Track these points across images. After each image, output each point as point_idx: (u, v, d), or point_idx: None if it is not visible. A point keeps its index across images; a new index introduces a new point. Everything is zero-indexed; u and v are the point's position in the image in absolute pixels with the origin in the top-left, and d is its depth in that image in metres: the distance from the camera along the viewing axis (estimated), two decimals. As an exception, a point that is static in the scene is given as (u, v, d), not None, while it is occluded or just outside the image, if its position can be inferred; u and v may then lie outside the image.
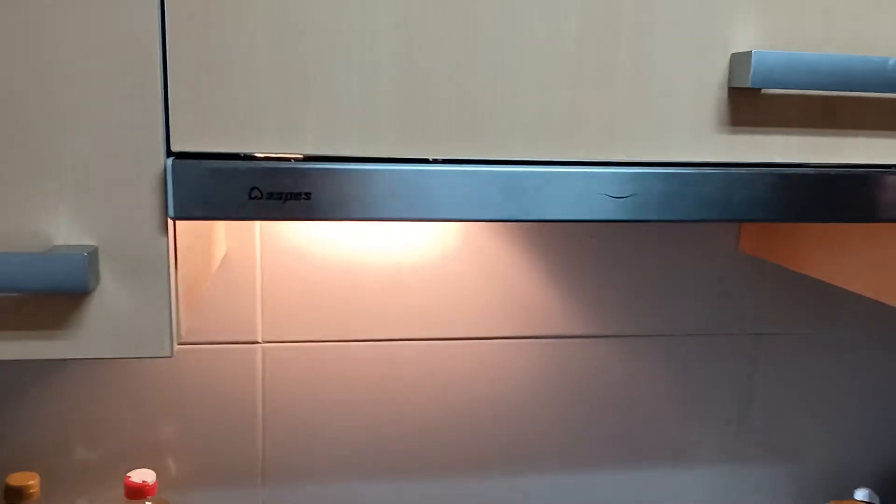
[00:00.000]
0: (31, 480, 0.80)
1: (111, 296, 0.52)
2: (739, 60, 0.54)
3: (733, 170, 0.55)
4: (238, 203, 0.51)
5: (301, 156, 0.53)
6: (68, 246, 0.51)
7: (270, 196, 0.51)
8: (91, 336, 0.52)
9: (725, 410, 1.02)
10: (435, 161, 0.53)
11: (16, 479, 0.80)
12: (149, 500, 0.85)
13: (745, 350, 1.01)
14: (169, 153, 0.51)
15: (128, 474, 0.84)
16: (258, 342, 0.90)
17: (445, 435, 0.96)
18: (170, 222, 0.52)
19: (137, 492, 0.83)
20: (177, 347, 0.54)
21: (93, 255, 0.50)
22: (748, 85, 0.53)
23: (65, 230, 0.51)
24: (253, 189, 0.51)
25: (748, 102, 0.56)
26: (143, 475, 0.84)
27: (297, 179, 0.51)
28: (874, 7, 0.56)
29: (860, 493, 0.99)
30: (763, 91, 0.56)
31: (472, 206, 0.53)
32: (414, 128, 0.52)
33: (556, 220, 0.54)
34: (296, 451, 0.93)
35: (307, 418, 0.93)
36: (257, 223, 0.88)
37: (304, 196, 0.51)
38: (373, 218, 0.52)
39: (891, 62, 0.54)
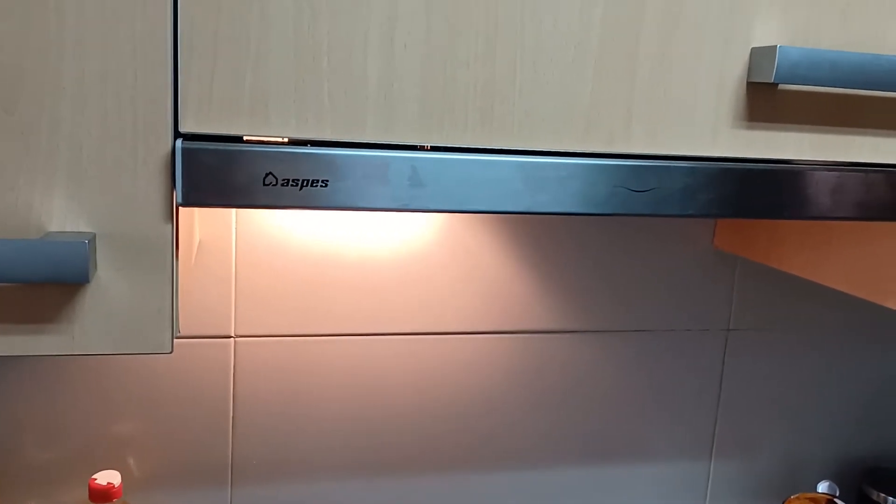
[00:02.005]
0: (-13, 484, 0.75)
1: (109, 287, 0.48)
2: (762, 55, 0.53)
3: (752, 166, 0.55)
4: (252, 190, 0.48)
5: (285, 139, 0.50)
6: (64, 233, 0.47)
7: (286, 183, 0.48)
8: (87, 331, 0.48)
9: (695, 406, 1.03)
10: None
11: (-29, 484, 0.74)
12: (115, 503, 0.80)
13: (715, 346, 1.02)
14: (177, 135, 0.48)
15: (93, 476, 0.79)
16: (231, 336, 0.86)
17: (420, 431, 0.94)
18: (175, 209, 0.49)
19: (103, 494, 0.79)
20: (172, 342, 0.50)
21: (92, 242, 0.46)
22: (771, 80, 0.52)
23: (60, 216, 0.47)
24: (268, 175, 0.48)
25: (766, 98, 0.55)
26: (108, 477, 0.79)
27: (315, 165, 0.48)
28: (889, 5, 0.56)
29: (822, 486, 1.02)
30: (780, 87, 0.55)
31: (495, 197, 0.51)
32: (434, 114, 0.50)
33: (576, 213, 0.53)
34: (267, 449, 0.90)
35: (280, 415, 0.89)
36: (234, 212, 0.84)
37: (321, 183, 0.49)
38: (391, 208, 0.50)
39: (904, 62, 0.54)
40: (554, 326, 0.96)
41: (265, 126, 0.48)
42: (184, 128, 0.47)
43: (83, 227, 0.47)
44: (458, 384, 0.94)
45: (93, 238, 0.47)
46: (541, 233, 0.93)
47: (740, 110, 0.55)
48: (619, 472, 1.03)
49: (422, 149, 0.51)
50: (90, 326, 0.48)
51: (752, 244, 0.92)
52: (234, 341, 0.87)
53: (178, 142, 0.47)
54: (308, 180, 0.49)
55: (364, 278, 0.89)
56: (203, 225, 0.84)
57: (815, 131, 0.57)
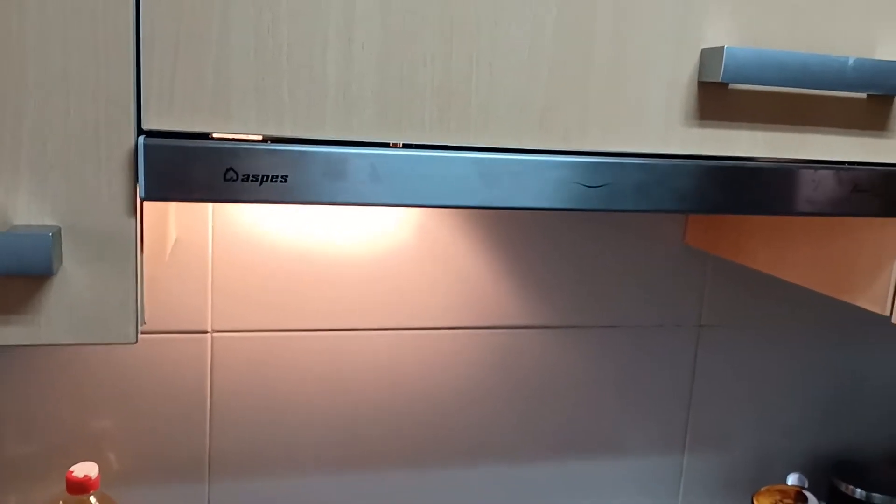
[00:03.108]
0: (-36, 476, 0.76)
1: (74, 279, 0.49)
2: (711, 56, 0.55)
3: (705, 162, 0.57)
4: (212, 185, 0.49)
5: (259, 136, 0.51)
6: (29, 227, 0.48)
7: (246, 178, 0.50)
8: (52, 321, 0.49)
9: (667, 401, 1.05)
10: (397, 146, 0.52)
11: (-52, 475, 0.76)
12: (91, 495, 0.81)
13: (687, 342, 1.04)
14: (140, 131, 0.49)
15: (70, 469, 0.80)
16: (207, 331, 0.88)
17: (395, 426, 0.96)
18: (138, 203, 0.50)
19: (80, 486, 0.80)
20: (138, 332, 0.52)
21: (56, 235, 0.47)
22: (719, 79, 0.54)
23: (24, 209, 0.48)
24: (228, 170, 0.49)
25: (717, 97, 0.57)
26: (85, 469, 0.81)
27: (274, 161, 0.50)
28: (837, 8, 0.58)
29: (792, 478, 1.03)
30: (731, 86, 0.57)
31: (451, 192, 0.53)
32: (392, 112, 0.52)
33: (532, 207, 0.54)
34: (244, 444, 0.91)
35: (256, 410, 0.91)
36: (210, 209, 0.85)
37: (280, 179, 0.50)
38: (350, 203, 0.52)
39: (850, 63, 0.56)
40: (527, 322, 0.98)
41: (226, 123, 0.50)
42: (146, 125, 0.49)
43: (48, 221, 0.49)
44: (432, 379, 0.96)
45: (57, 231, 0.48)
46: (514, 229, 0.95)
47: (692, 109, 0.57)
48: (593, 466, 1.04)
49: (394, 146, 0.52)
50: (56, 317, 0.49)
51: (721, 241, 0.94)
52: (211, 336, 0.88)
53: (141, 139, 0.48)
54: (268, 176, 0.50)
55: (340, 274, 0.90)
56: (179, 222, 0.85)
57: (768, 129, 0.58)
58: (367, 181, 0.51)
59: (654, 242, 1.00)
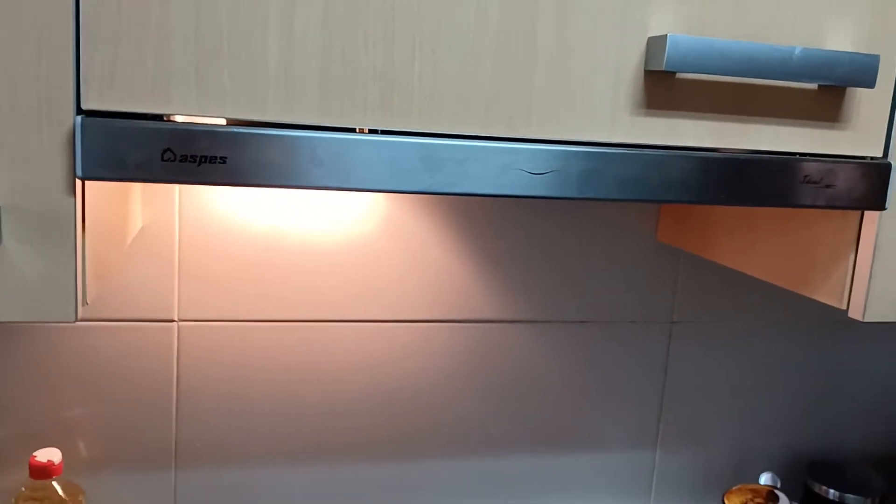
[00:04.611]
0: (-74, 459, 0.77)
1: (14, 257, 0.50)
2: (655, 44, 0.55)
3: (650, 151, 0.57)
4: (150, 165, 0.50)
5: (223, 120, 0.52)
6: (-32, 203, 0.48)
7: (184, 159, 0.50)
8: (-9, 299, 0.50)
9: (639, 397, 1.05)
10: (362, 131, 0.52)
11: None
12: (55, 481, 0.82)
13: (660, 338, 1.04)
14: (79, 111, 0.49)
15: (33, 454, 0.81)
16: (174, 320, 0.88)
17: (363, 418, 0.96)
18: (78, 183, 0.51)
19: (42, 471, 0.80)
20: (81, 314, 0.52)
21: (-6, 213, 0.48)
22: (663, 68, 0.54)
23: (-36, 187, 0.49)
24: (166, 151, 0.50)
25: (663, 86, 0.57)
26: (48, 454, 0.81)
27: (213, 142, 0.50)
28: (783, -1, 0.58)
29: (764, 477, 1.03)
30: (678, 75, 0.57)
31: (393, 176, 0.53)
32: (334, 96, 0.52)
33: (475, 193, 0.54)
34: (212, 433, 0.91)
35: (224, 400, 0.91)
36: (176, 195, 0.86)
37: (219, 160, 0.51)
38: (291, 185, 0.52)
39: (796, 52, 0.56)
40: (499, 316, 0.98)
41: (166, 105, 0.50)
42: (86, 105, 0.49)
43: (-12, 199, 0.49)
44: (402, 372, 0.96)
45: (-4, 209, 0.48)
46: (485, 221, 0.95)
47: (638, 98, 0.57)
48: (565, 461, 1.04)
49: (360, 131, 0.52)
50: (-6, 295, 0.50)
51: (690, 236, 0.94)
52: (178, 325, 0.88)
53: (79, 118, 0.48)
54: (206, 157, 0.50)
55: (310, 264, 0.90)
56: (146, 209, 0.86)
57: (714, 119, 0.58)
58: (308, 164, 0.52)
59: (627, 238, 1.00)
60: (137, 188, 0.82)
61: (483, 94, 0.54)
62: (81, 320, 0.85)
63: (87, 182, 0.53)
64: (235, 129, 0.50)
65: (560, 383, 1.02)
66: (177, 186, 0.86)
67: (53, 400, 0.87)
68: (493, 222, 0.95)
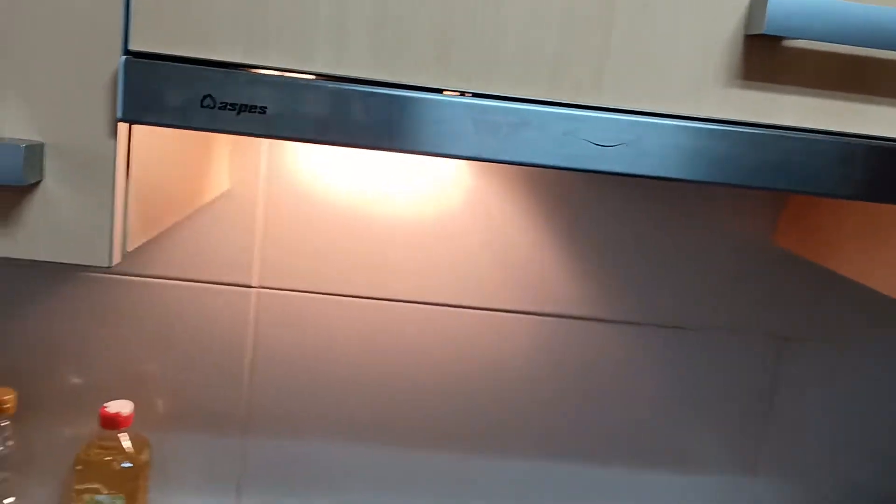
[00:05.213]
0: (6, 395, 0.80)
1: (54, 196, 0.50)
2: (756, 3, 0.48)
3: (742, 129, 0.50)
4: (189, 110, 0.48)
5: (267, 70, 0.49)
6: (12, 139, 0.48)
7: (224, 106, 0.48)
8: (32, 237, 0.50)
9: (738, 417, 0.95)
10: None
11: (-8, 393, 0.79)
12: (123, 432, 0.83)
13: (766, 352, 0.94)
14: (127, 52, 0.48)
15: (104, 404, 0.83)
16: (252, 286, 0.88)
17: (432, 406, 0.92)
18: (123, 126, 0.50)
19: (111, 422, 0.82)
20: (116, 256, 0.51)
21: (33, 148, 0.47)
22: (763, 31, 0.47)
23: (13, 124, 0.49)
24: (206, 97, 0.48)
25: (764, 54, 0.50)
26: (119, 406, 0.83)
27: (254, 91, 0.48)
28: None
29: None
30: (784, 42, 0.50)
31: (438, 138, 0.49)
32: (387, 51, 0.48)
33: (530, 163, 0.49)
34: (281, 404, 0.91)
35: (295, 372, 0.90)
36: (263, 160, 0.85)
37: (259, 109, 0.48)
38: (329, 142, 0.49)
39: (932, 21, 0.47)
40: (584, 312, 0.91)
41: (212, 50, 0.48)
42: (133, 45, 0.48)
43: (34, 136, 0.49)
44: (477, 363, 0.91)
45: (39, 146, 0.48)
46: (578, 208, 0.89)
47: (733, 67, 0.50)
48: (646, 477, 0.96)
49: (374, 84, 0.49)
50: (34, 232, 0.50)
51: (810, 241, 0.84)
52: (256, 291, 0.88)
53: (122, 58, 0.47)
54: (246, 105, 0.48)
55: (389, 237, 0.88)
56: (234, 171, 0.85)
57: (822, 97, 0.50)
58: (350, 120, 0.48)
59: (737, 238, 0.91)
60: (224, 149, 0.82)
61: (549, 54, 0.49)
62: (162, 277, 0.87)
63: (137, 128, 0.52)
64: (278, 79, 0.48)
65: (648, 392, 0.94)
66: (264, 151, 0.85)
67: (130, 353, 0.88)
68: (587, 210, 0.89)
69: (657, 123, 0.49)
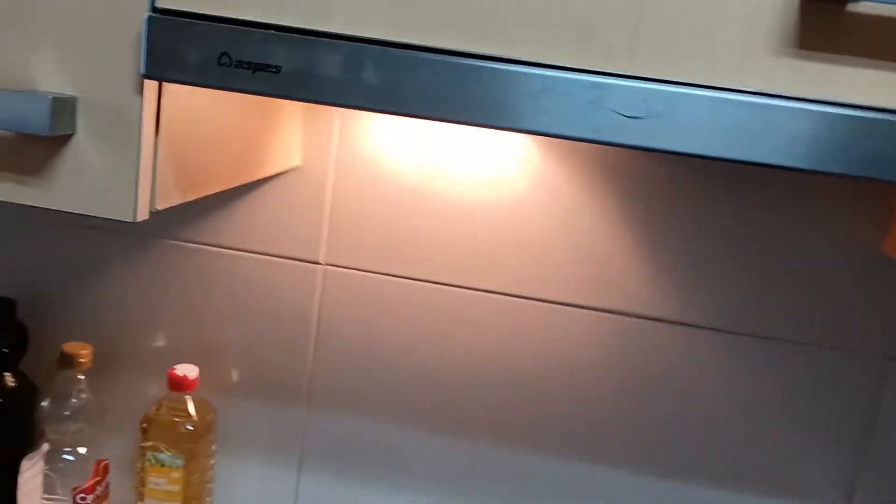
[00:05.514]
0: (83, 350, 0.84)
1: (85, 150, 0.51)
2: (811, -39, 0.42)
3: (796, 105, 0.44)
4: (207, 68, 0.48)
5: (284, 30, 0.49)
6: (48, 92, 0.50)
7: (240, 64, 0.48)
8: (62, 188, 0.52)
9: (832, 443, 0.86)
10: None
11: (70, 347, 0.84)
12: (189, 395, 0.86)
13: (870, 374, 0.84)
14: (154, 9, 0.49)
15: (173, 367, 0.86)
16: (320, 263, 0.88)
17: (491, 397, 0.89)
18: (152, 84, 0.51)
19: (178, 384, 0.85)
20: (142, 213, 0.52)
21: (63, 101, 0.49)
22: (816, -9, 0.41)
23: (49, 79, 0.51)
24: (223, 55, 0.48)
25: (826, 19, 0.44)
26: (186, 369, 0.85)
27: (268, 49, 0.47)
28: None
29: None
30: (850, 6, 0.44)
31: (449, 103, 0.46)
32: (406, 11, 0.47)
33: (547, 133, 0.46)
34: (344, 381, 0.91)
35: (359, 351, 0.90)
36: (335, 137, 0.86)
37: (273, 69, 0.48)
38: (342, 104, 0.47)
39: None
40: (664, 314, 0.85)
41: (233, 7, 0.48)
42: (159, 3, 0.49)
43: (69, 90, 0.51)
44: (545, 358, 0.88)
45: (72, 100, 0.50)
46: (656, 197, 0.83)
47: (788, 33, 0.44)
48: (727, 497, 0.89)
49: (391, 45, 0.47)
50: (66, 184, 0.52)
51: (919, 252, 0.75)
52: (323, 268, 0.88)
53: (145, 15, 0.48)
54: (261, 64, 0.48)
55: (457, 220, 0.86)
56: (306, 147, 0.86)
57: (892, 69, 0.44)
58: (360, 82, 0.47)
59: (840, 243, 0.82)
60: (295, 124, 0.83)
61: (578, 15, 0.45)
62: (233, 248, 0.89)
63: (173, 87, 0.53)
64: (292, 37, 0.47)
65: (731, 406, 0.87)
66: (336, 128, 0.86)
67: (202, 321, 0.91)
68: (667, 200, 0.83)
69: (694, 94, 0.45)
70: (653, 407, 0.87)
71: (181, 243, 0.89)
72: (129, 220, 0.52)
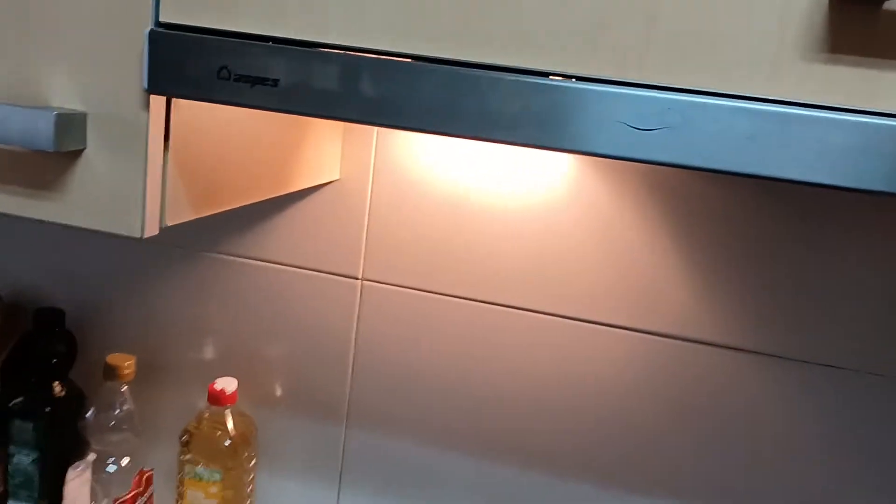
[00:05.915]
0: (127, 361, 0.85)
1: (95, 165, 0.51)
2: (842, -46, 0.38)
3: (822, 113, 0.40)
4: (207, 82, 0.47)
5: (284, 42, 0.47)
6: (61, 108, 0.51)
7: (239, 78, 0.47)
8: (72, 203, 0.52)
9: (889, 477, 0.79)
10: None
11: (114, 359, 0.85)
12: (228, 409, 0.86)
13: (948, 409, 0.77)
14: (158, 24, 0.49)
15: (214, 380, 0.86)
16: (358, 278, 0.87)
17: (531, 419, 0.85)
18: (159, 99, 0.50)
19: (217, 398, 0.85)
20: (151, 229, 0.51)
21: (70, 117, 0.49)
22: (846, -12, 0.37)
23: (60, 94, 0.51)
24: (223, 68, 0.47)
25: (859, 20, 0.39)
26: (225, 383, 0.85)
27: (266, 62, 0.46)
28: None
29: None
30: (886, 6, 0.39)
31: (442, 115, 0.44)
32: (404, 20, 0.45)
33: (550, 147, 0.43)
34: (383, 398, 0.89)
35: (398, 367, 0.88)
36: (373, 152, 0.84)
37: (270, 82, 0.46)
38: (338, 117, 0.46)
39: None
40: (712, 338, 0.80)
41: (234, 20, 0.47)
42: (164, 17, 0.48)
43: (79, 106, 0.51)
44: (587, 380, 0.84)
45: (81, 116, 0.50)
46: (703, 215, 0.78)
47: (820, 37, 0.40)
48: (788, 536, 0.82)
49: (391, 55, 0.45)
50: (75, 199, 0.52)
51: None
52: (361, 283, 0.87)
53: (146, 30, 0.48)
54: (259, 78, 0.46)
55: (496, 236, 0.83)
56: (345, 162, 0.85)
57: (941, 73, 0.39)
58: (361, 93, 0.45)
59: (914, 269, 0.76)
60: (333, 138, 0.82)
61: (588, 19, 0.42)
62: (273, 262, 0.88)
63: (183, 102, 0.53)
64: (289, 49, 0.46)
65: (783, 436, 0.80)
66: (374, 144, 0.84)
67: (243, 334, 0.91)
68: (715, 219, 0.78)
69: (710, 103, 0.41)
70: (698, 434, 0.82)
71: (224, 256, 0.90)
72: (137, 235, 0.51)
